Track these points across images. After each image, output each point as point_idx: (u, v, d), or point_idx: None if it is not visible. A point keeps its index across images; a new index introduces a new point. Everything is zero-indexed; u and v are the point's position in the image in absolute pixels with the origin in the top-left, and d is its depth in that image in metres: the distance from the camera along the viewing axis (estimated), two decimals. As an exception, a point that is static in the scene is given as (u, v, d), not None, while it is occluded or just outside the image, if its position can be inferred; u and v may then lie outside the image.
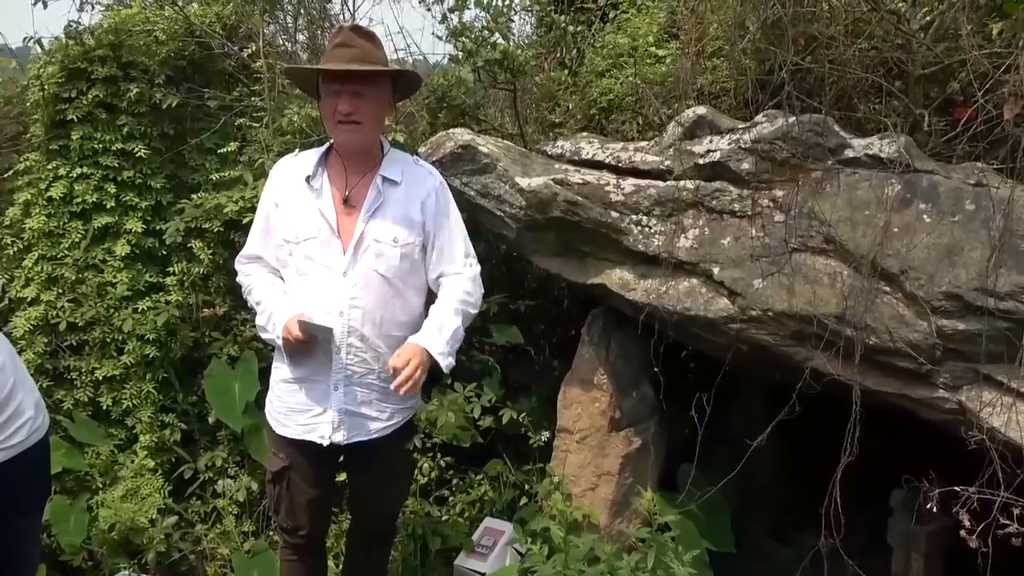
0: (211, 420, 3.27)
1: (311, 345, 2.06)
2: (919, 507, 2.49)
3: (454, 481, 3.29)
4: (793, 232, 2.30)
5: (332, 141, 2.15)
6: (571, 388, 3.04)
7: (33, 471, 1.94)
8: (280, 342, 2.07)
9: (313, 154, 2.14)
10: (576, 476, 3.00)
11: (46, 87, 3.31)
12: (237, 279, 2.27)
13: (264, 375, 3.11)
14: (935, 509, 2.06)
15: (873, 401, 2.26)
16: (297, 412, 2.15)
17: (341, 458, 2.30)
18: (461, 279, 2.19)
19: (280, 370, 2.20)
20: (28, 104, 3.59)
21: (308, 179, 2.08)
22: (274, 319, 2.08)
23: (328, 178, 2.10)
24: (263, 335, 2.18)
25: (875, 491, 2.78)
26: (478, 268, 2.26)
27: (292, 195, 2.09)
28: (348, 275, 2.05)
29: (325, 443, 2.12)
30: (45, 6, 3.40)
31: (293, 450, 2.20)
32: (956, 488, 1.94)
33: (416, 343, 2.03)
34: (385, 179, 2.10)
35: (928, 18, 2.57)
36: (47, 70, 3.33)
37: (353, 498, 2.50)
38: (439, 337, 2.06)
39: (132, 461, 3.16)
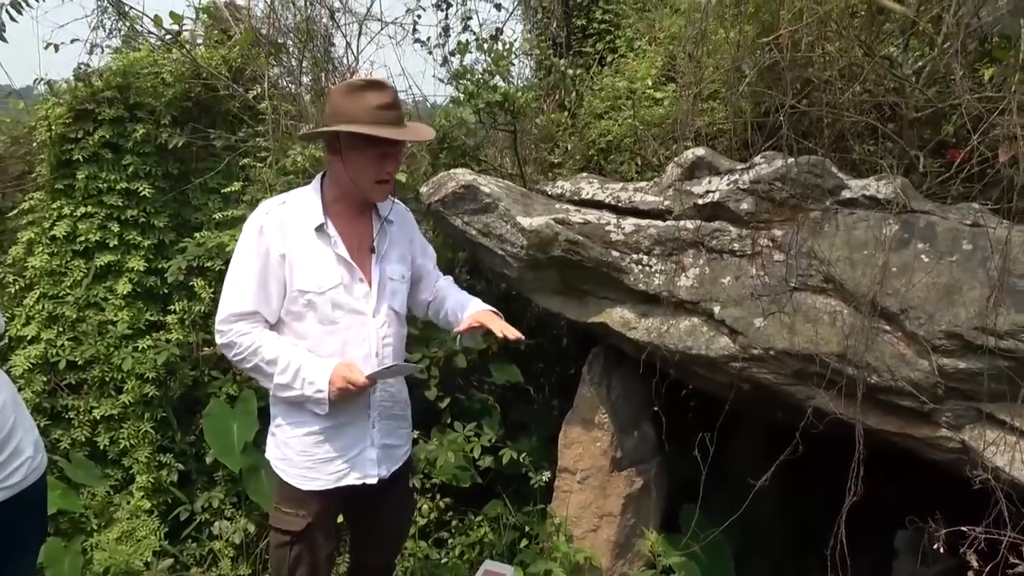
0: (209, 460, 3.24)
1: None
2: (924, 548, 2.47)
3: (453, 523, 3.25)
4: (793, 271, 2.32)
5: (318, 180, 2.11)
6: (572, 427, 3.03)
7: (30, 511, 1.91)
8: (320, 396, 1.97)
9: (308, 199, 2.07)
10: (578, 517, 2.97)
11: (53, 128, 3.36)
12: (225, 340, 2.02)
13: (263, 414, 3.10)
14: (941, 550, 2.04)
15: (876, 440, 2.25)
16: (327, 461, 2.08)
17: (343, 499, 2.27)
18: (451, 280, 2.36)
19: (301, 425, 2.08)
20: (35, 144, 3.64)
21: (320, 227, 2.02)
22: (304, 374, 1.98)
23: (333, 223, 2.06)
24: (283, 394, 2.03)
25: (879, 531, 2.75)
26: None
27: (303, 245, 2.01)
28: (376, 316, 2.08)
29: (373, 481, 2.12)
30: (56, 50, 3.47)
31: (318, 503, 2.11)
32: (963, 528, 1.93)
33: (482, 307, 2.18)
34: (387, 220, 2.16)
35: (920, 63, 2.63)
36: (55, 111, 3.38)
37: (365, 534, 2.41)
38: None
39: (128, 502, 3.12)
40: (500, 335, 2.07)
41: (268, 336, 2.02)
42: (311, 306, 2.01)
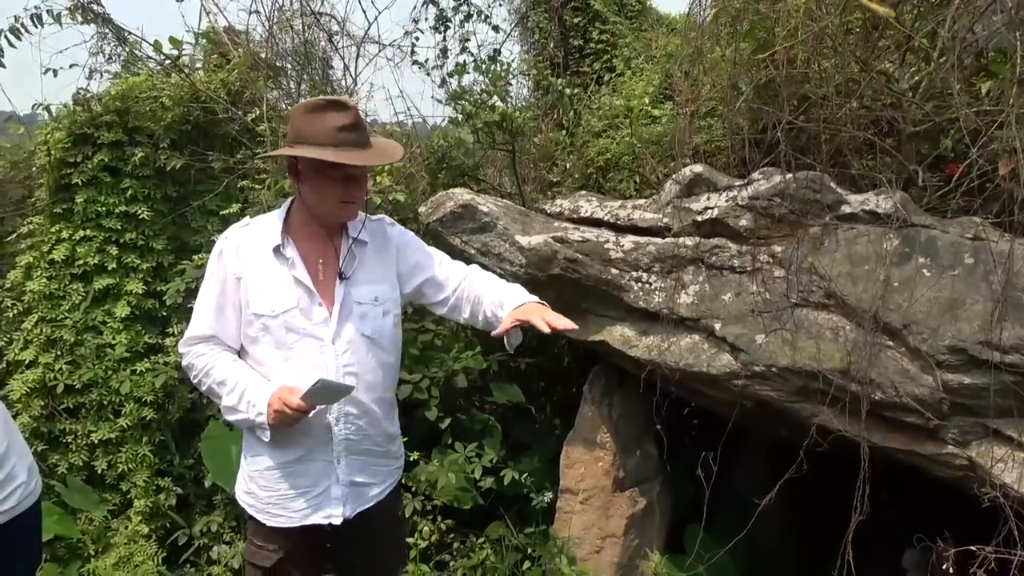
0: (207, 484, 3.21)
1: (305, 419, 1.89)
2: (932, 567, 2.43)
3: (455, 545, 3.21)
4: (794, 287, 2.31)
5: (287, 203, 2.04)
6: (573, 447, 3.00)
7: (24, 538, 1.89)
8: (261, 419, 1.87)
9: (269, 222, 2.00)
10: (580, 538, 2.93)
11: (53, 152, 3.37)
12: (185, 363, 2.01)
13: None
14: (950, 570, 2.01)
15: (882, 458, 2.22)
16: (292, 498, 1.98)
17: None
18: (474, 270, 2.15)
19: (261, 457, 1.99)
20: (34, 169, 3.65)
21: (277, 249, 1.95)
22: (248, 396, 1.89)
23: (296, 245, 1.98)
24: (231, 417, 1.95)
25: (886, 550, 2.72)
26: None
27: (259, 267, 1.94)
28: (336, 342, 1.96)
29: (337, 522, 2.00)
30: (55, 75, 3.49)
31: (287, 540, 2.01)
32: (972, 548, 1.89)
33: (522, 301, 1.96)
34: (356, 240, 2.05)
35: (917, 78, 2.63)
36: (54, 136, 3.39)
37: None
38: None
39: (125, 527, 3.09)
40: (547, 330, 1.86)
41: (222, 358, 1.95)
42: (266, 330, 1.93)
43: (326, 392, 1.85)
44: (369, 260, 2.07)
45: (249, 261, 1.95)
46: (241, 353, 1.99)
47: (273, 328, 1.93)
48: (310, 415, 1.89)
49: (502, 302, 2.03)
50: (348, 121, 1.89)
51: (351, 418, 1.99)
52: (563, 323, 1.86)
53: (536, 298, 1.99)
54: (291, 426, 1.89)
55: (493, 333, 1.96)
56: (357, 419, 2.00)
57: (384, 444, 2.09)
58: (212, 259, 1.99)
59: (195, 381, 2.01)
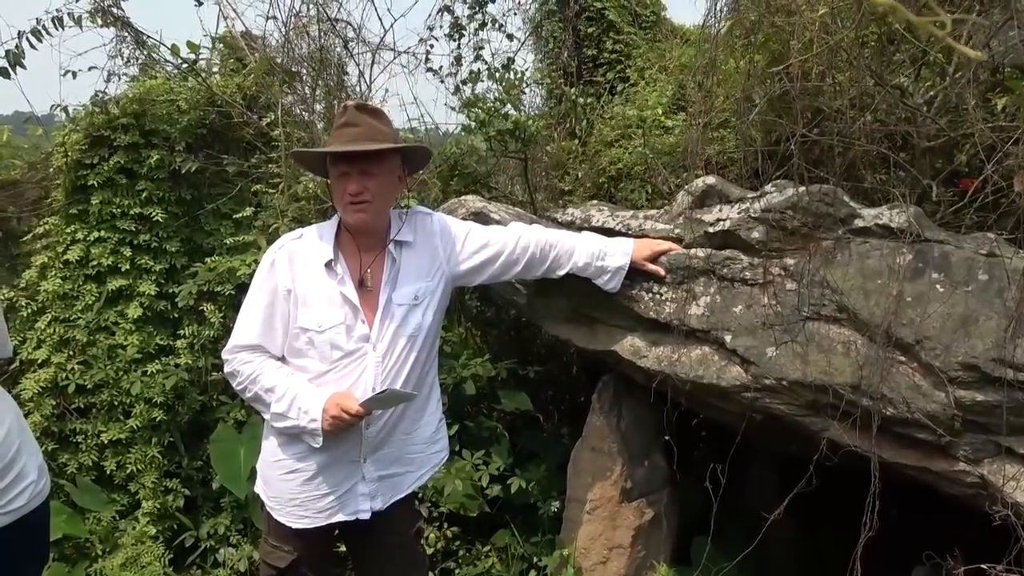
0: (215, 486, 3.22)
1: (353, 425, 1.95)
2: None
3: (460, 552, 3.21)
4: (806, 301, 2.30)
5: (337, 218, 2.09)
6: (581, 456, 2.99)
7: (33, 536, 1.90)
8: (314, 426, 1.91)
9: (321, 234, 2.04)
10: (587, 549, 2.92)
11: (70, 153, 3.40)
12: (229, 369, 2.03)
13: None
14: (960, 588, 1.99)
15: (892, 474, 2.21)
16: (315, 500, 2.03)
17: (336, 531, 2.21)
18: (523, 228, 2.34)
19: (288, 460, 2.03)
20: (51, 170, 3.68)
21: (329, 263, 1.99)
22: (299, 403, 1.92)
23: (344, 259, 2.02)
24: (279, 424, 1.98)
25: (896, 567, 2.69)
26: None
27: (310, 282, 1.98)
28: (377, 348, 2.00)
29: (365, 516, 2.06)
30: (74, 76, 3.52)
31: (305, 540, 2.06)
32: (982, 566, 1.87)
33: (627, 248, 2.43)
34: (397, 243, 2.07)
35: (931, 93, 2.62)
36: (71, 137, 3.43)
37: (366, 569, 2.33)
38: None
39: (133, 528, 3.11)
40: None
41: (269, 365, 1.99)
42: (311, 344, 1.97)
43: (390, 399, 1.91)
44: (410, 258, 2.09)
45: (301, 275, 1.98)
46: (284, 362, 2.02)
47: (319, 343, 1.97)
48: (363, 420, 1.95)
49: (602, 252, 2.39)
50: (344, 119, 1.98)
51: (382, 420, 2.04)
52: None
53: (628, 240, 2.48)
54: (346, 431, 1.94)
55: (650, 267, 2.44)
56: (388, 420, 2.05)
57: (417, 431, 2.12)
58: (263, 269, 2.02)
59: (239, 388, 2.03)
